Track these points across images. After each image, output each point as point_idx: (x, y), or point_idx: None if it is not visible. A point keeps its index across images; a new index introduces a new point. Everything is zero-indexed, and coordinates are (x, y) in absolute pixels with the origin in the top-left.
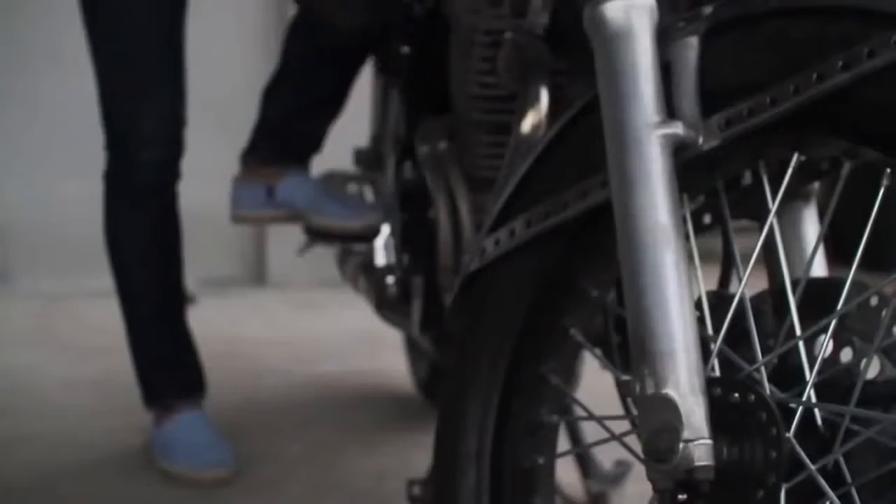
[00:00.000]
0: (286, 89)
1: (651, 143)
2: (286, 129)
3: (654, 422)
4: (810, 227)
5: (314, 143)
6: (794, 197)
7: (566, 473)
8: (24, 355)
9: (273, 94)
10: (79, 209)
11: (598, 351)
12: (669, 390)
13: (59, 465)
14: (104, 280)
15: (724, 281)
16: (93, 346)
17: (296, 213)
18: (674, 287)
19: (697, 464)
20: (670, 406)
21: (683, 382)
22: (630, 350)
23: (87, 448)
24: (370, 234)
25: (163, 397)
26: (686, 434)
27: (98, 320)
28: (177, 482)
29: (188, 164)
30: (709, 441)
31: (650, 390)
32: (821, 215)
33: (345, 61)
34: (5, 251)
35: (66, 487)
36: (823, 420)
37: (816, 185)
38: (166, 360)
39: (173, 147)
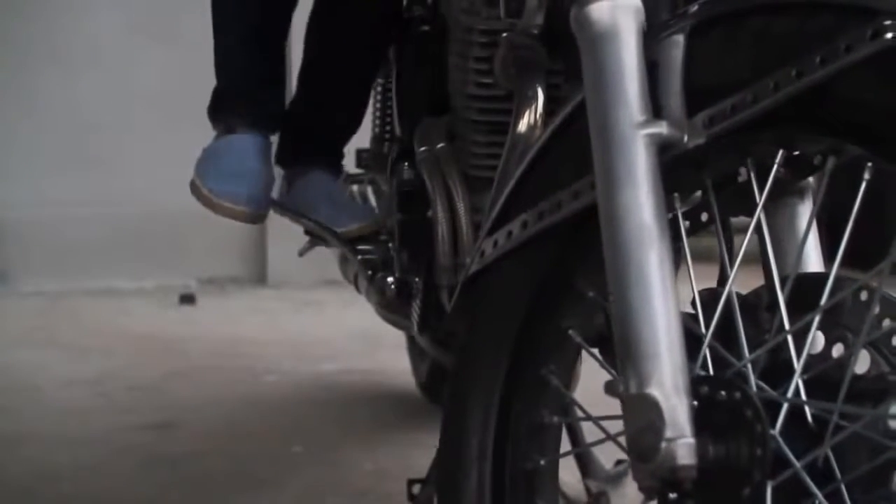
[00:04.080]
0: (308, 89)
1: (636, 143)
2: (309, 130)
3: (637, 421)
4: (804, 222)
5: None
6: (789, 193)
7: (566, 473)
8: (24, 355)
9: (298, 95)
10: (78, 209)
11: (596, 351)
12: (653, 389)
13: (59, 465)
14: (104, 280)
15: (723, 279)
16: (93, 346)
17: (296, 209)
18: (658, 287)
19: (680, 462)
20: (653, 406)
21: (667, 381)
22: (615, 350)
23: (87, 448)
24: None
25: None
26: (668, 433)
27: (98, 320)
28: (177, 482)
29: (187, 164)
30: (691, 440)
31: (633, 390)
32: (823, 213)
33: (364, 55)
34: (5, 251)
35: (66, 487)
36: (813, 416)
37: (811, 180)
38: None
39: None
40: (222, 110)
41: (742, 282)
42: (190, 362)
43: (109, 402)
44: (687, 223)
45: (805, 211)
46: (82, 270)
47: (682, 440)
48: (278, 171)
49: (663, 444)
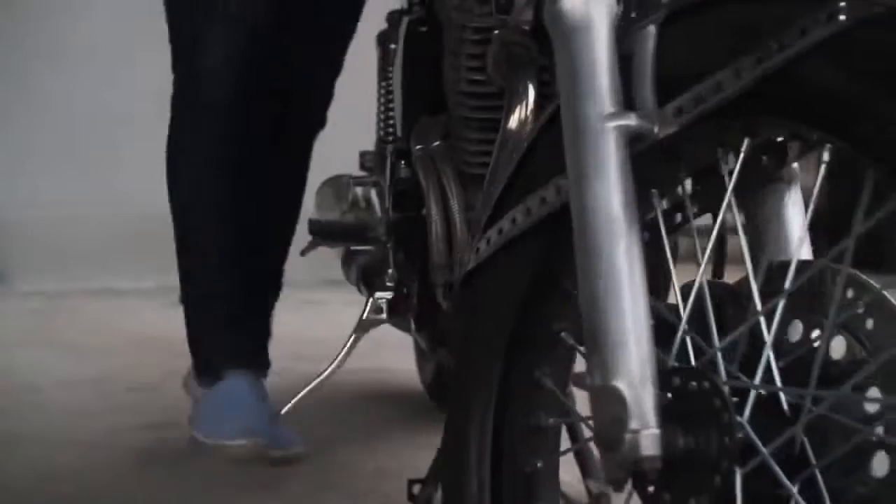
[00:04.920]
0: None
1: (605, 135)
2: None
3: (603, 412)
4: (793, 211)
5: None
6: (774, 181)
7: (567, 473)
8: (24, 355)
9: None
10: (78, 209)
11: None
12: (618, 381)
13: (59, 465)
14: (104, 280)
15: (718, 270)
16: (93, 346)
17: None
18: (625, 278)
19: (644, 454)
20: (617, 397)
21: (634, 372)
22: (584, 342)
23: (87, 448)
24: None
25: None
26: (633, 424)
27: (98, 320)
28: (177, 482)
29: None
30: (656, 431)
31: (598, 381)
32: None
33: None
34: (5, 251)
35: (66, 487)
36: (789, 404)
37: (796, 167)
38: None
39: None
40: (205, 358)
41: (738, 273)
42: (190, 362)
43: (109, 402)
44: (679, 217)
45: (791, 199)
46: (82, 270)
47: (646, 431)
48: None
49: (627, 436)
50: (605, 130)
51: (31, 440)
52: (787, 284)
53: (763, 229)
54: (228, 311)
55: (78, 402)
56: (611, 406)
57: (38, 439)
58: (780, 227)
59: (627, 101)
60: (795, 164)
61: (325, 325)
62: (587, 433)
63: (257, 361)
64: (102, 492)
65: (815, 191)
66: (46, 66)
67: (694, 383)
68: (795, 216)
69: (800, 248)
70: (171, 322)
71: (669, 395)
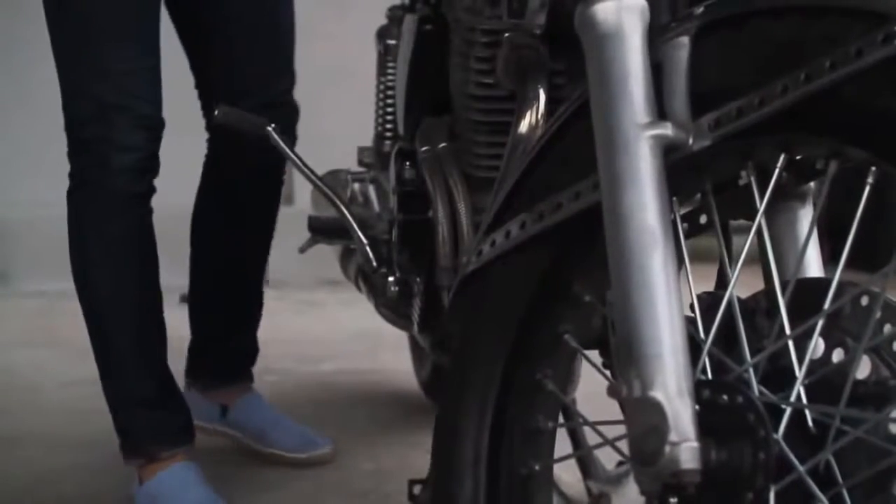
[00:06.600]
0: (205, 308)
1: (640, 144)
2: (217, 349)
3: (640, 424)
4: (806, 227)
5: (249, 354)
6: (789, 197)
7: (568, 473)
8: (24, 355)
9: (195, 315)
10: None
11: (595, 353)
12: (656, 393)
13: (59, 465)
14: None
15: (721, 282)
16: None
17: (246, 434)
18: (662, 289)
19: (683, 467)
20: (657, 409)
21: (671, 385)
22: (618, 352)
23: (87, 448)
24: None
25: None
26: (672, 437)
27: None
28: None
29: (187, 164)
30: (695, 444)
31: (637, 393)
32: (823, 217)
33: (250, 263)
34: (5, 251)
35: (66, 487)
36: (814, 421)
37: (812, 184)
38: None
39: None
40: (133, 438)
41: (740, 282)
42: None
43: None
44: (685, 226)
45: (805, 215)
46: None
47: (686, 444)
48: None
49: (667, 448)
50: (641, 139)
51: (32, 440)
52: (826, 305)
53: (776, 244)
54: (148, 394)
55: (78, 402)
56: (649, 418)
57: (38, 439)
58: (791, 243)
59: (659, 110)
60: (812, 182)
61: (325, 325)
62: (587, 435)
63: (187, 432)
64: (102, 492)
65: (821, 202)
66: (47, 66)
67: (725, 397)
68: (807, 231)
69: (817, 264)
70: (170, 322)
71: (698, 407)
